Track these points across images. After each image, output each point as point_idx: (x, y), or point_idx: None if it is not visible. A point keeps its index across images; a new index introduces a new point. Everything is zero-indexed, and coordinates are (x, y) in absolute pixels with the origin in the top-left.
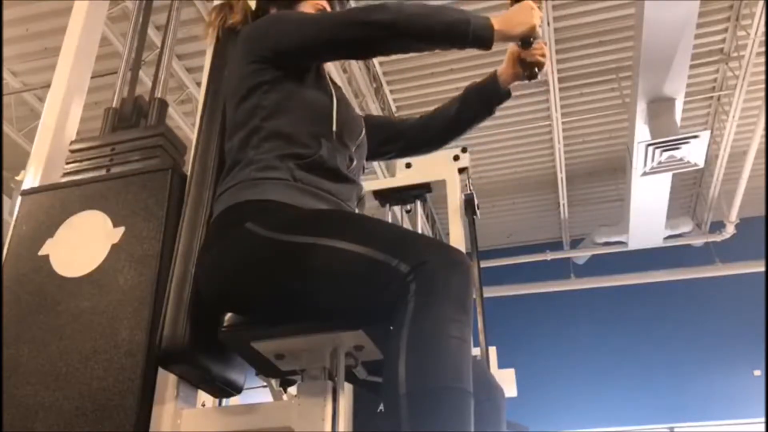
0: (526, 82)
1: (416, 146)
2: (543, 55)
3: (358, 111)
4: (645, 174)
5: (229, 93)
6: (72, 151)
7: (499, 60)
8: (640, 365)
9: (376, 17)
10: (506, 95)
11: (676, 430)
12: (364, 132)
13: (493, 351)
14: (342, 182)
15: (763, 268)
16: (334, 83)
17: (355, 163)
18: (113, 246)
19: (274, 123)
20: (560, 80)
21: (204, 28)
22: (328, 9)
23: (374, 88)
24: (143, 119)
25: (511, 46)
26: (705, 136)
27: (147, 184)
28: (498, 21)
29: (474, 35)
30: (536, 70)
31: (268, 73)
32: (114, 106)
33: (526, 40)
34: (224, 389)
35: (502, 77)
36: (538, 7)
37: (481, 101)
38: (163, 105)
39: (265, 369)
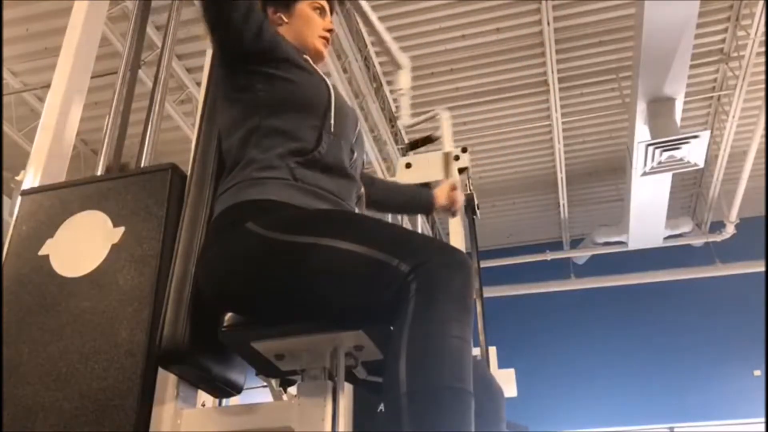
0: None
1: (367, 204)
2: (460, 207)
3: (357, 111)
4: (645, 174)
5: (224, 92)
6: None
7: (500, 60)
8: (640, 365)
9: None
10: (430, 213)
11: (676, 430)
12: (360, 125)
13: (493, 351)
14: (342, 179)
15: (763, 268)
16: (325, 77)
17: (356, 155)
18: (113, 246)
19: (273, 120)
20: (560, 80)
21: (204, 28)
22: (326, 7)
23: (374, 88)
24: None
25: (448, 185)
26: (705, 136)
27: (147, 184)
28: None
29: None
30: (453, 212)
31: (258, 71)
32: (100, 173)
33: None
34: (224, 389)
35: (436, 203)
36: None
37: (417, 210)
38: None
39: (265, 369)
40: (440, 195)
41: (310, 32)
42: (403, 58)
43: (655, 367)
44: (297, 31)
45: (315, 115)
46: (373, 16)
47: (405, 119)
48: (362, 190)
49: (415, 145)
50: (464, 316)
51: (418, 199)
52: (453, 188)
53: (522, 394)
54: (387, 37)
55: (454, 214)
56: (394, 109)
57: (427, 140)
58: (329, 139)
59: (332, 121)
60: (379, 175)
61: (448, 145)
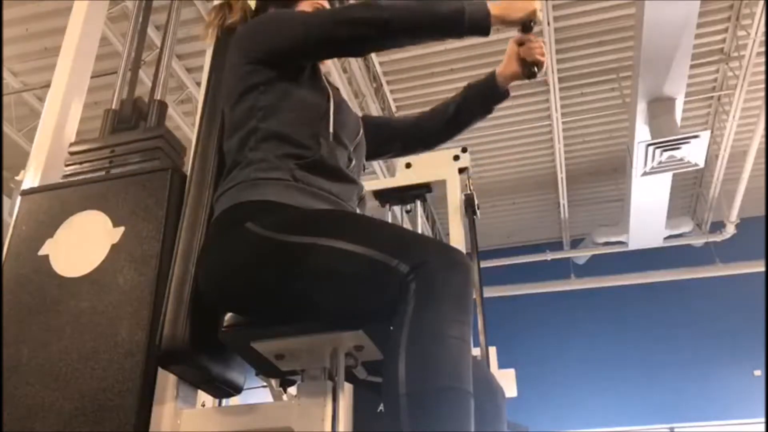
0: (526, 81)
1: (414, 145)
2: (542, 54)
3: (357, 111)
4: (645, 174)
5: (226, 93)
6: (71, 153)
7: (500, 60)
8: (640, 365)
9: (367, 15)
10: (505, 95)
11: (676, 430)
12: (362, 132)
13: (493, 351)
14: (342, 182)
15: (763, 268)
16: (331, 84)
17: (354, 162)
18: (113, 246)
19: (272, 124)
20: (560, 80)
21: (204, 28)
22: (327, 8)
23: (374, 88)
24: (143, 121)
25: (510, 45)
26: (705, 136)
27: (147, 184)
28: (496, 6)
29: (470, 24)
30: (535, 69)
31: (262, 73)
32: (113, 107)
33: (527, 24)
34: (224, 389)
35: (501, 77)
36: None
37: (479, 101)
38: (163, 107)
39: (265, 369)
40: (506, 61)
41: None
42: None
43: (655, 367)
44: None
45: (313, 121)
46: None
47: None
48: (364, 192)
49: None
50: (464, 316)
51: (473, 89)
52: (521, 42)
53: (522, 394)
54: None
55: (531, 75)
56: (394, 109)
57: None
58: (327, 146)
59: (331, 129)
60: (378, 173)
61: None
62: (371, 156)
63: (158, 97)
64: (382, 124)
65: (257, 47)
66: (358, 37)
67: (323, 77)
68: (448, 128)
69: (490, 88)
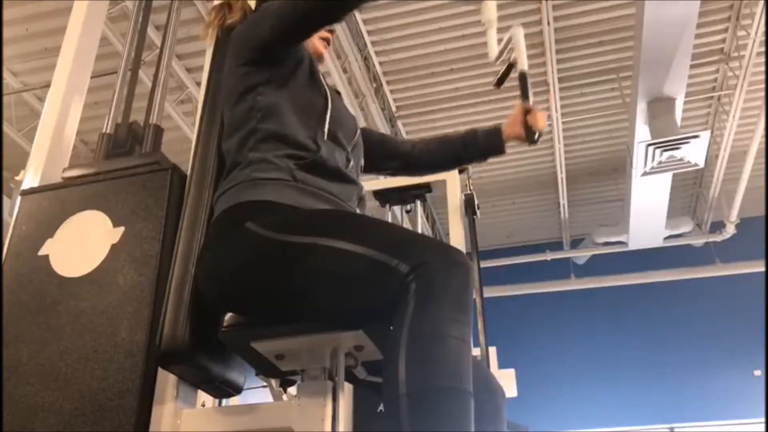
0: (526, 144)
1: (410, 169)
2: (545, 124)
3: (357, 111)
4: (645, 174)
5: (225, 94)
6: (65, 179)
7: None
8: (640, 365)
9: None
10: (502, 152)
11: (676, 430)
12: (359, 133)
13: (493, 351)
14: (342, 182)
15: (763, 268)
16: (328, 84)
17: (352, 163)
18: (113, 246)
19: (271, 124)
20: (560, 80)
21: (204, 28)
22: None
23: (374, 88)
24: (138, 146)
25: (518, 111)
26: (705, 136)
27: (147, 184)
28: None
29: None
30: (537, 136)
31: (259, 74)
32: (108, 131)
33: None
34: (224, 389)
35: (504, 134)
36: None
37: (481, 151)
38: (158, 131)
39: (265, 369)
40: (512, 123)
41: None
42: None
43: (655, 367)
44: None
45: (311, 121)
46: None
47: (491, 54)
48: (363, 192)
49: (502, 79)
50: (463, 316)
51: (477, 139)
52: (527, 112)
53: (522, 394)
54: None
55: (533, 141)
56: (394, 109)
57: (510, 67)
58: (326, 145)
59: (326, 129)
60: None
61: (524, 62)
62: (369, 168)
63: (157, 99)
64: (385, 141)
65: (248, 45)
66: (324, 3)
67: (321, 78)
68: (445, 165)
69: (495, 144)
